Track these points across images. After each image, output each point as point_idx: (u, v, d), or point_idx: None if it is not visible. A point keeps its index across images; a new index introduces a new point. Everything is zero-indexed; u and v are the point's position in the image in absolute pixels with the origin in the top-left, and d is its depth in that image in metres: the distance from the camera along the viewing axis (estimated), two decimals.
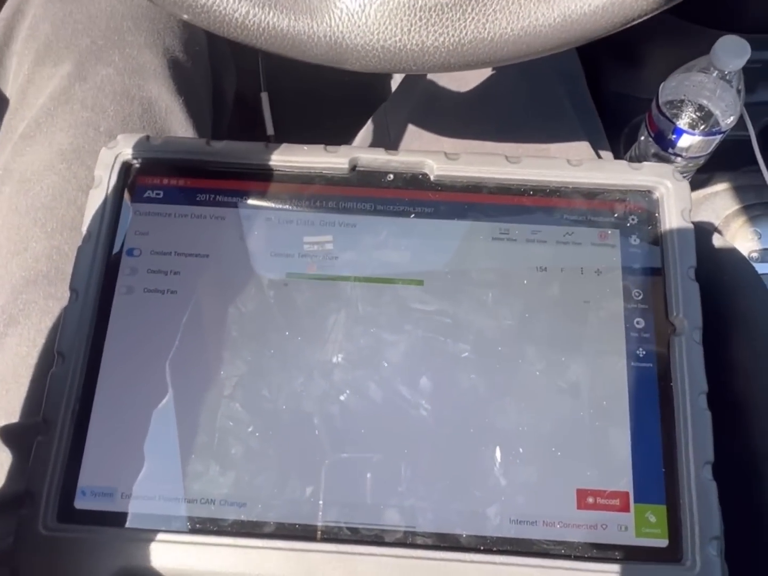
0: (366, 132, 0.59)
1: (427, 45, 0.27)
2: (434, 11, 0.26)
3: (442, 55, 0.27)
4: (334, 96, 0.78)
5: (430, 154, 0.36)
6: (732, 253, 0.43)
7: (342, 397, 0.32)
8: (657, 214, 0.35)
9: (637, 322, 0.33)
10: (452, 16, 0.26)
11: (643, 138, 0.67)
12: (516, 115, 0.48)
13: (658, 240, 0.35)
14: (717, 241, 0.44)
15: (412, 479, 0.31)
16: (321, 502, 0.31)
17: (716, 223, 0.70)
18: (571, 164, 0.35)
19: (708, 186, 0.72)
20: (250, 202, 0.35)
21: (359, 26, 0.27)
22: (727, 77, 0.59)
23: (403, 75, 0.63)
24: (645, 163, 0.36)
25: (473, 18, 0.26)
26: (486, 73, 0.50)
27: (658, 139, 0.64)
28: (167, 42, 0.41)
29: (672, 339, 0.33)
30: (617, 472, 0.31)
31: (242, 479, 0.31)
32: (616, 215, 0.35)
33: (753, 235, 0.64)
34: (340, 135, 0.63)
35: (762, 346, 0.38)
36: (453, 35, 0.27)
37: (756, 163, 0.64)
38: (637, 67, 0.75)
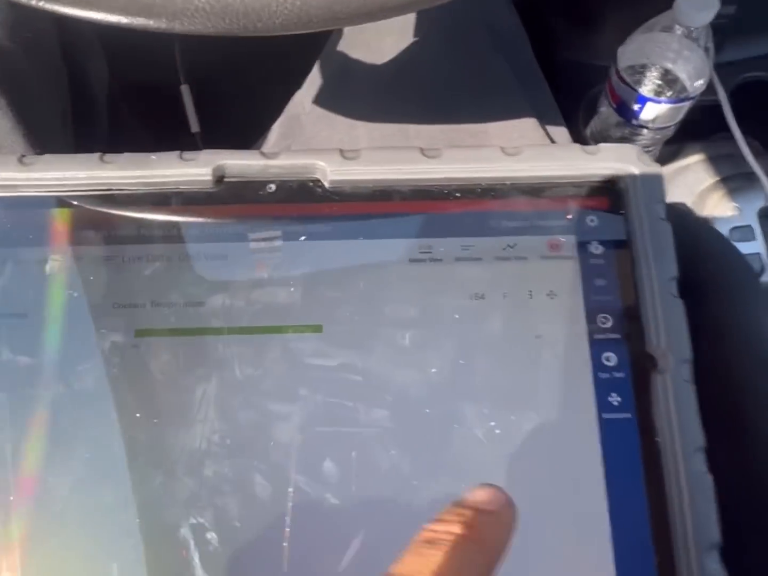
0: (280, 125, 0.50)
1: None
2: None
3: (295, 3, 0.18)
4: (260, 82, 0.69)
5: (321, 154, 0.27)
6: (717, 240, 0.36)
7: (217, 499, 0.23)
8: (623, 212, 0.27)
9: (608, 359, 0.25)
10: None
11: (603, 110, 0.59)
12: (445, 93, 0.39)
13: (626, 245, 0.26)
14: (697, 224, 0.37)
15: None
16: None
17: (690, 200, 0.63)
18: (507, 153, 0.27)
19: (678, 159, 0.64)
20: (82, 236, 0.26)
21: None
22: (693, 35, 0.51)
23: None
24: (602, 144, 0.27)
25: None
26: (406, 43, 0.41)
27: (621, 109, 0.56)
28: None
29: (654, 378, 0.25)
30: (595, 566, 0.23)
31: None
32: (569, 216, 0.27)
33: (732, 210, 0.57)
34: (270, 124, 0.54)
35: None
36: None
37: (729, 129, 0.56)
38: (592, 30, 0.66)
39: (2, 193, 0.26)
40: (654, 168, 0.27)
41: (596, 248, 0.26)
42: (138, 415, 0.24)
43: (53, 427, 0.24)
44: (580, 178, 0.27)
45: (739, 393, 0.31)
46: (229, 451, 0.24)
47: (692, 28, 0.49)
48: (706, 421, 0.24)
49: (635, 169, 0.27)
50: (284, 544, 0.23)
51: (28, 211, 0.26)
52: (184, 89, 0.73)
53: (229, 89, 0.73)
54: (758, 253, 0.59)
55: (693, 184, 0.57)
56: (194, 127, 0.73)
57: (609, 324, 0.25)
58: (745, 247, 0.56)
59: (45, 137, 0.34)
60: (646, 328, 0.25)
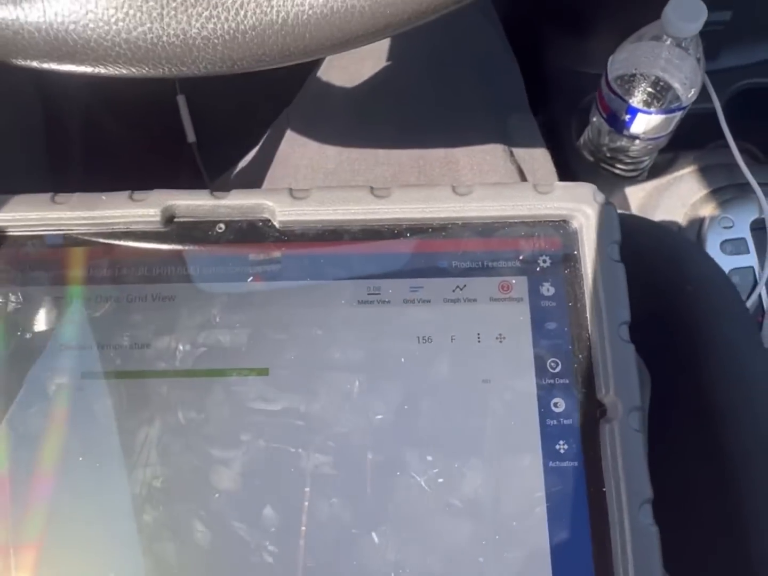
0: (264, 145, 0.50)
1: (191, 35, 0.18)
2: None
3: (216, 48, 0.18)
4: (256, 95, 0.69)
5: (269, 194, 0.27)
6: (702, 262, 0.35)
7: (156, 545, 0.23)
8: (576, 252, 0.26)
9: (556, 404, 0.25)
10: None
11: (595, 120, 0.58)
12: (420, 119, 0.38)
13: (579, 287, 0.26)
14: (679, 243, 0.36)
15: None
16: None
17: (683, 211, 0.62)
18: (458, 193, 0.26)
19: (671, 169, 0.63)
20: (31, 276, 0.26)
21: (86, 12, 0.18)
22: (684, 44, 0.50)
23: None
24: (557, 183, 0.27)
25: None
26: (384, 68, 0.40)
27: (611, 120, 0.55)
28: None
29: (602, 426, 0.24)
30: None
31: None
32: (521, 257, 0.26)
33: (724, 222, 0.55)
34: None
35: (754, 389, 0.30)
36: (227, 20, 0.18)
37: (724, 138, 0.55)
38: (584, 37, 0.66)
39: None
40: (609, 209, 0.26)
41: (548, 290, 0.26)
42: (81, 459, 0.24)
43: (9, 472, 0.24)
44: (533, 218, 0.26)
45: (718, 414, 0.30)
46: (169, 497, 0.24)
47: (682, 38, 0.48)
48: (683, 442, 0.24)
49: (589, 209, 0.26)
50: None
51: None
52: (180, 99, 0.73)
53: (225, 99, 0.73)
54: (751, 267, 0.57)
55: (686, 195, 0.56)
56: (190, 137, 0.74)
57: (558, 369, 0.25)
58: (737, 261, 0.55)
59: (12, 177, 0.34)
60: (596, 374, 0.25)
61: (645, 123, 0.53)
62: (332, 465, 0.24)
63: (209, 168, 0.71)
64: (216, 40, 0.18)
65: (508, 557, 0.23)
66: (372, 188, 0.27)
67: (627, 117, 0.54)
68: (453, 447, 0.24)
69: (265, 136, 0.48)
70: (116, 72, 0.20)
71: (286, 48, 0.19)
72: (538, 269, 0.26)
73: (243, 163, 0.46)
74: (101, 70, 0.19)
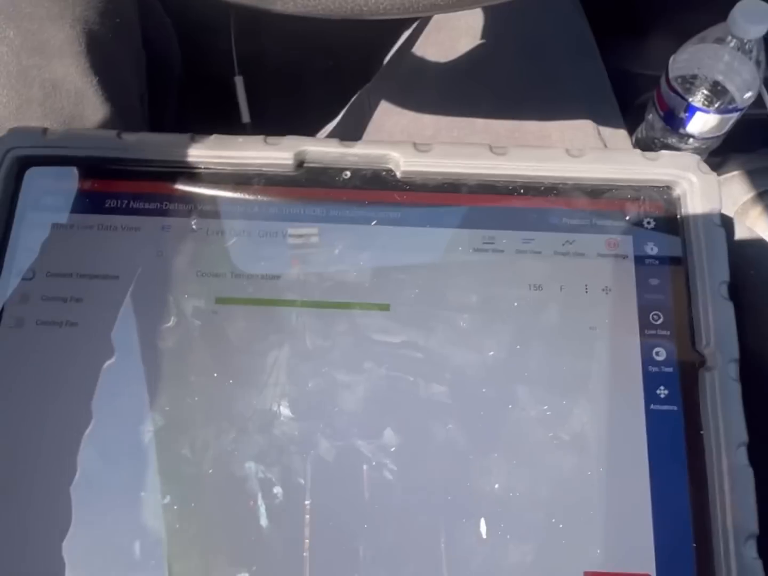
0: (345, 117, 0.52)
1: None
2: None
3: None
4: (316, 79, 0.71)
5: (395, 146, 0.29)
6: (762, 246, 0.37)
7: (285, 458, 0.25)
8: (679, 216, 0.28)
9: (657, 353, 0.26)
10: None
11: (650, 117, 0.60)
12: (513, 94, 0.40)
13: (680, 248, 0.28)
14: (740, 232, 0.38)
15: (373, 563, 0.24)
16: None
17: (733, 210, 0.63)
18: (571, 155, 0.28)
19: (721, 170, 0.65)
20: (172, 208, 0.28)
21: None
22: (747, 47, 0.52)
23: (389, 55, 0.56)
24: (663, 152, 0.29)
25: None
26: (480, 47, 0.42)
27: (668, 118, 0.57)
28: (77, 12, 0.34)
29: (702, 375, 0.26)
30: (636, 549, 0.24)
31: (157, 567, 0.24)
32: (627, 218, 0.28)
33: None
34: (324, 120, 0.56)
35: None
36: None
37: None
38: (643, 40, 0.67)
39: (99, 163, 0.29)
40: (711, 177, 0.28)
41: (651, 249, 0.28)
42: (215, 374, 0.26)
43: (137, 380, 0.26)
44: (639, 182, 0.28)
45: None
46: (297, 415, 0.26)
47: (745, 41, 0.50)
48: (748, 417, 0.25)
49: (693, 177, 0.28)
50: (348, 503, 0.25)
51: (121, 182, 0.29)
52: (238, 80, 0.75)
53: (281, 82, 0.75)
54: None
55: (736, 195, 0.58)
56: (245, 117, 0.76)
57: (660, 321, 0.27)
58: None
59: (126, 116, 0.36)
60: (696, 327, 0.26)
61: (702, 122, 0.55)
62: (448, 395, 0.26)
63: None
64: None
65: (610, 489, 0.25)
66: (491, 146, 0.28)
67: (685, 115, 0.55)
68: (561, 386, 0.26)
69: (342, 113, 0.50)
70: (299, 10, 0.21)
71: None
72: (642, 230, 0.28)
73: (322, 135, 0.48)
74: (288, 8, 0.21)
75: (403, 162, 0.28)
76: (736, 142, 0.60)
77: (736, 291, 0.35)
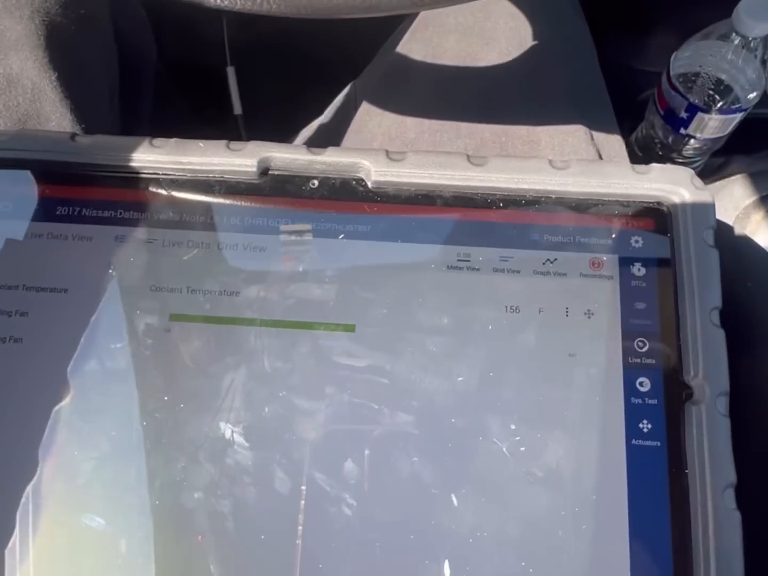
0: (333, 112, 0.50)
1: None
2: None
3: None
4: (308, 70, 0.69)
5: (366, 153, 0.27)
6: (760, 257, 0.35)
7: (236, 489, 0.24)
8: (669, 235, 0.26)
9: (641, 384, 0.25)
10: None
11: (650, 117, 0.57)
12: (502, 97, 0.38)
13: (670, 270, 0.26)
14: (739, 239, 0.36)
15: None
16: None
17: (734, 214, 0.61)
18: (555, 166, 0.26)
19: (724, 172, 0.63)
20: (127, 217, 0.27)
21: None
22: (751, 45, 0.50)
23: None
24: (654, 165, 0.26)
25: None
26: (469, 46, 0.40)
27: (669, 117, 0.55)
28: (37, 3, 0.32)
29: (688, 408, 0.24)
30: None
31: None
32: (614, 236, 0.26)
33: None
34: (317, 112, 0.54)
35: None
36: None
37: None
38: (645, 35, 0.65)
39: (51, 168, 0.27)
40: (705, 193, 0.26)
41: (639, 270, 0.26)
42: (166, 398, 0.25)
43: (82, 402, 0.25)
44: (627, 197, 0.26)
45: None
46: (252, 443, 0.24)
47: (750, 38, 0.48)
48: (737, 448, 0.23)
49: (686, 193, 0.26)
50: (297, 541, 0.23)
51: (74, 188, 0.27)
52: (230, 71, 0.73)
53: (274, 74, 0.73)
54: None
55: (738, 198, 0.55)
56: (237, 109, 0.74)
57: (645, 348, 0.25)
58: None
59: (92, 113, 0.35)
60: (684, 357, 0.25)
61: (703, 122, 0.53)
62: (415, 424, 0.24)
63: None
64: None
65: (585, 530, 0.23)
66: (468, 156, 0.27)
67: (685, 115, 0.53)
68: (536, 417, 0.24)
69: (329, 108, 0.48)
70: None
71: None
72: (630, 248, 0.26)
73: (308, 131, 0.46)
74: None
75: (374, 171, 0.26)
76: (740, 142, 0.58)
77: (732, 303, 0.33)
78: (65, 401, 0.25)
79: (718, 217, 0.64)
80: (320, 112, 0.54)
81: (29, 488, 0.24)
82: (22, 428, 0.24)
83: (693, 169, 0.62)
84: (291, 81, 0.72)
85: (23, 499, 0.24)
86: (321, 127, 0.45)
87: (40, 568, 0.23)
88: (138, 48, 0.42)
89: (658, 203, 0.26)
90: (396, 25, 0.54)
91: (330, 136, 0.41)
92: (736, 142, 0.57)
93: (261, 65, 0.68)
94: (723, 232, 0.37)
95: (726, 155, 0.61)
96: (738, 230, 0.58)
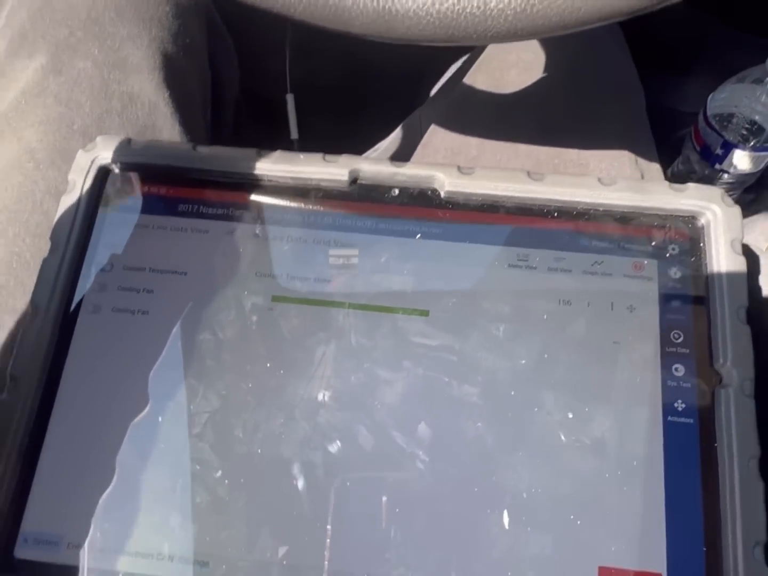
0: (397, 135, 0.55)
1: (490, 7, 0.23)
2: None
3: (507, 20, 0.23)
4: (363, 101, 0.75)
5: (440, 168, 0.31)
6: None
7: (327, 443, 0.28)
8: (702, 244, 0.30)
9: (676, 369, 0.28)
10: None
11: (687, 152, 0.62)
12: (556, 125, 0.43)
13: (702, 274, 0.30)
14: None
15: (402, 545, 0.26)
16: (295, 566, 0.26)
17: (763, 248, 0.65)
18: (603, 183, 0.31)
19: (755, 206, 0.66)
20: (237, 214, 0.32)
21: None
22: None
23: (441, 81, 0.60)
24: (690, 184, 0.31)
25: None
26: (528, 79, 0.45)
27: (704, 153, 0.59)
28: (154, 33, 0.38)
29: (717, 391, 0.28)
30: (648, 548, 0.26)
31: (206, 534, 0.27)
32: (653, 243, 0.30)
33: None
34: (371, 141, 0.59)
35: None
36: None
37: None
38: (682, 78, 0.70)
39: (175, 172, 0.32)
40: (735, 209, 0.30)
41: (675, 273, 0.30)
42: (268, 365, 0.29)
43: (198, 365, 0.29)
44: (666, 211, 0.31)
45: None
46: (340, 405, 0.28)
47: None
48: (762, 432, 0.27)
49: (717, 208, 0.30)
50: (380, 490, 0.27)
51: (194, 189, 0.32)
52: (289, 98, 0.79)
53: (331, 103, 0.79)
54: None
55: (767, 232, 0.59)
56: (294, 134, 0.80)
57: (680, 339, 0.29)
58: None
59: (192, 127, 0.40)
60: (714, 347, 0.28)
61: (737, 159, 0.57)
62: (479, 396, 0.28)
63: None
64: (509, 12, 0.23)
65: (626, 491, 0.27)
66: (529, 172, 0.31)
67: (720, 151, 0.58)
68: (584, 394, 0.28)
69: (394, 132, 0.54)
70: (418, 38, 0.24)
71: (561, 21, 0.23)
72: (667, 255, 0.30)
73: (373, 153, 0.51)
74: (407, 36, 0.24)
75: (447, 183, 0.31)
76: None
77: (757, 319, 0.36)
78: (183, 364, 0.29)
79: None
80: (370, 142, 0.59)
81: (152, 435, 0.28)
82: (146, 384, 0.29)
83: None
84: (345, 110, 0.77)
85: (144, 445, 0.28)
86: (387, 149, 0.51)
87: (152, 505, 0.27)
88: (225, 75, 0.47)
89: (693, 217, 0.31)
90: (450, 61, 0.60)
91: (397, 157, 0.46)
92: (766, 179, 0.61)
93: (318, 94, 0.73)
94: (749, 257, 0.40)
95: (757, 191, 0.65)
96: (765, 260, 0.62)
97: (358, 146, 0.59)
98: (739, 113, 0.55)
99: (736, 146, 0.57)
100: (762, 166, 0.58)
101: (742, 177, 0.59)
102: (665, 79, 0.66)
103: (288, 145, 0.78)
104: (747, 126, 0.57)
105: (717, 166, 0.59)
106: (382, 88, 0.71)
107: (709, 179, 0.61)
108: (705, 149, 0.59)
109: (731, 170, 0.59)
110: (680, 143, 0.63)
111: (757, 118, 0.56)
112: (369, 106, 0.73)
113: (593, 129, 0.41)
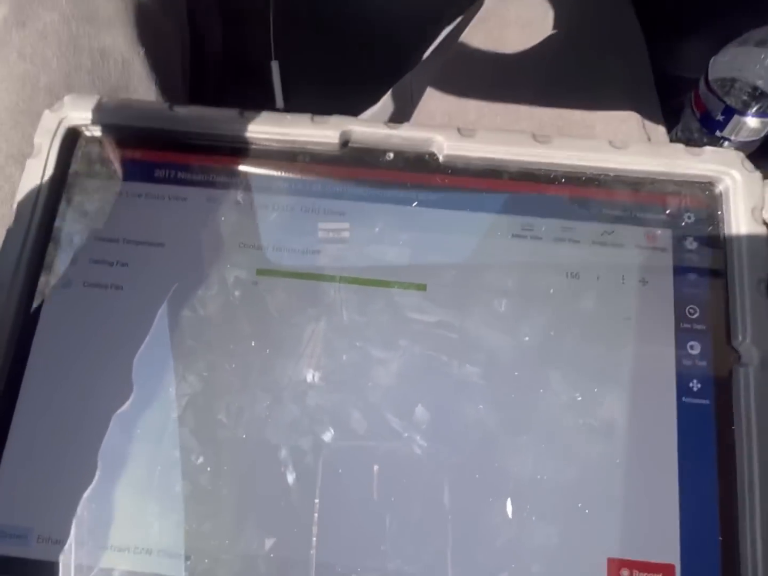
0: (388, 101, 0.52)
1: None
2: None
3: None
4: (353, 66, 0.72)
5: (439, 129, 0.29)
6: None
7: (316, 427, 0.26)
8: (720, 212, 0.28)
9: (692, 347, 0.26)
10: None
11: (686, 119, 0.59)
12: (559, 85, 0.41)
13: (720, 244, 0.28)
14: None
15: (398, 536, 0.25)
16: (283, 559, 0.24)
17: (766, 218, 0.63)
18: (614, 146, 0.28)
19: None
20: (218, 181, 0.29)
21: None
22: None
23: (435, 43, 0.57)
24: (707, 147, 0.29)
25: None
26: (528, 37, 0.43)
27: (705, 120, 0.57)
28: None
29: (736, 370, 0.26)
30: (661, 538, 0.25)
31: (187, 526, 0.25)
32: (668, 212, 0.28)
33: None
34: (356, 109, 0.57)
35: None
36: None
37: None
38: (681, 41, 0.67)
39: (151, 134, 0.29)
40: (756, 175, 0.28)
41: (691, 244, 0.28)
42: (253, 343, 0.27)
43: (177, 344, 0.27)
44: (681, 177, 0.28)
45: None
46: (331, 386, 0.26)
47: None
48: None
49: (737, 174, 0.28)
50: (372, 476, 0.25)
51: (171, 153, 0.29)
52: (274, 65, 0.76)
53: (317, 70, 0.75)
54: None
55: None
56: (279, 102, 0.77)
57: (696, 315, 0.27)
58: None
59: (169, 88, 0.37)
60: (733, 323, 0.26)
61: (738, 125, 0.55)
62: (481, 376, 0.26)
63: None
64: None
65: (638, 478, 0.25)
66: (534, 134, 0.29)
67: (722, 117, 0.55)
68: (593, 373, 0.26)
69: (384, 97, 0.51)
70: None
71: None
72: (683, 224, 0.28)
73: (369, 115, 0.48)
74: None
75: (446, 146, 0.29)
76: None
77: None
78: (161, 343, 0.27)
79: None
80: (359, 108, 0.56)
81: (128, 419, 0.26)
82: (121, 366, 0.27)
83: None
84: (332, 77, 0.74)
85: (120, 431, 0.26)
86: (376, 114, 0.48)
87: (128, 495, 0.25)
88: (206, 35, 0.44)
89: (710, 183, 0.28)
90: (439, 25, 0.56)
91: (388, 121, 0.44)
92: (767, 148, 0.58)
93: (303, 61, 0.70)
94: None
95: (760, 158, 0.62)
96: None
97: (348, 114, 0.56)
98: (742, 78, 0.53)
99: (738, 112, 0.54)
100: (764, 132, 0.56)
101: (744, 145, 0.57)
102: (664, 43, 0.63)
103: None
104: (749, 91, 0.55)
105: (718, 133, 0.57)
106: (373, 53, 0.68)
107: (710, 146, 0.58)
108: (705, 116, 0.57)
109: (732, 137, 0.56)
110: (679, 110, 0.61)
111: (759, 83, 0.54)
112: (360, 73, 0.70)
113: (598, 88, 0.38)
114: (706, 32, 0.63)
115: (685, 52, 0.66)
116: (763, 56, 0.53)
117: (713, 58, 0.56)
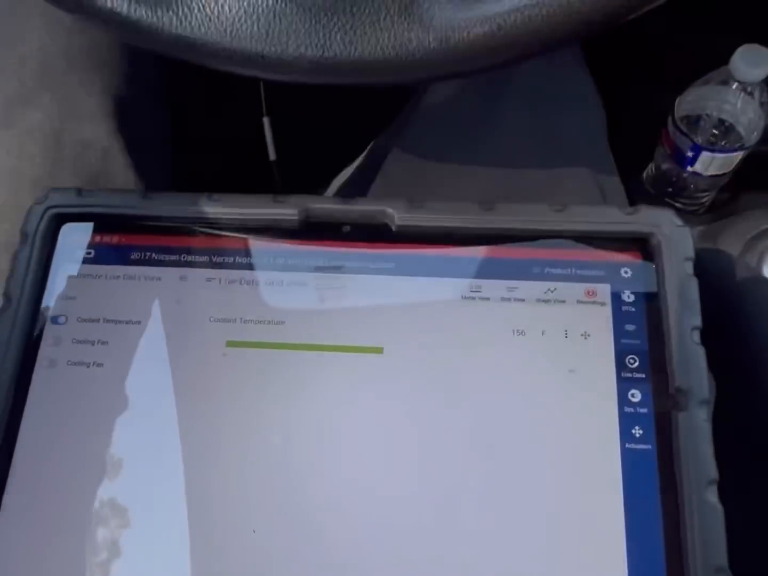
0: (362, 162, 0.55)
1: (288, 53, 0.24)
2: (299, 15, 0.23)
3: (302, 67, 0.24)
4: (341, 121, 0.75)
5: (391, 202, 0.31)
6: (756, 280, 0.38)
7: (283, 494, 0.28)
8: (654, 266, 0.30)
9: (633, 395, 0.28)
10: (318, 26, 0.23)
11: (659, 157, 0.62)
12: (515, 146, 0.43)
13: (656, 296, 0.30)
14: (740, 268, 0.39)
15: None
16: None
17: (739, 246, 0.65)
18: (554, 209, 0.31)
19: (731, 206, 0.66)
20: (189, 260, 0.31)
21: (211, 20, 0.24)
22: (749, 90, 0.55)
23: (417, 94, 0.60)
24: (641, 206, 0.31)
25: (338, 32, 0.23)
26: (484, 100, 0.45)
27: (676, 156, 0.59)
28: (106, 79, 0.38)
29: (674, 415, 0.28)
30: None
31: None
32: (606, 268, 0.30)
33: None
34: (350, 158, 0.59)
35: None
36: (316, 47, 0.24)
37: None
38: (650, 82, 0.70)
39: (126, 221, 0.32)
40: (685, 230, 0.30)
41: (628, 297, 0.30)
42: (224, 412, 0.29)
43: (151, 417, 0.29)
44: (617, 235, 0.31)
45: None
46: (297, 452, 0.28)
47: (748, 83, 0.52)
48: (734, 452, 0.27)
49: (667, 230, 0.30)
50: (338, 543, 0.27)
51: (145, 236, 0.32)
52: (266, 121, 0.79)
53: (308, 124, 0.78)
54: None
55: (743, 231, 0.59)
56: (272, 155, 0.80)
57: (636, 365, 0.29)
58: None
59: (149, 171, 0.40)
60: (670, 371, 0.28)
61: (708, 161, 0.57)
62: (435, 435, 0.28)
63: (286, 187, 0.77)
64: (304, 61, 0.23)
65: (585, 520, 0.27)
66: (480, 202, 0.31)
67: (691, 154, 0.58)
68: (541, 423, 0.28)
69: (359, 159, 0.54)
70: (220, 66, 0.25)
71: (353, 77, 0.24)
72: (620, 278, 0.30)
73: (339, 180, 0.51)
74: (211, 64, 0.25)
75: (397, 218, 0.31)
76: (747, 178, 0.62)
77: (731, 330, 0.36)
78: (137, 417, 0.29)
79: (723, 247, 0.67)
80: (349, 160, 0.59)
81: (115, 494, 0.28)
82: (105, 439, 0.29)
83: (701, 204, 0.67)
84: (324, 130, 0.77)
85: (109, 506, 0.28)
86: (352, 176, 0.51)
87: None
88: (186, 110, 0.47)
89: (644, 239, 0.30)
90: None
91: (361, 183, 0.47)
92: (743, 177, 0.61)
93: (295, 115, 0.73)
94: (724, 260, 0.40)
95: (734, 190, 0.64)
96: (742, 260, 0.61)
97: (339, 165, 0.59)
98: (707, 115, 0.55)
99: (705, 148, 0.57)
100: (734, 165, 0.58)
101: (716, 178, 0.59)
102: (633, 86, 0.66)
103: (268, 166, 0.77)
104: (716, 127, 0.57)
105: (689, 168, 0.59)
106: (360, 108, 0.71)
107: (683, 182, 0.61)
108: (676, 152, 0.59)
109: (703, 172, 0.59)
110: (653, 147, 0.63)
111: (725, 116, 0.56)
112: (347, 126, 0.73)
113: (552, 149, 0.41)
114: (673, 73, 0.65)
115: (654, 92, 0.69)
116: (725, 94, 0.55)
117: (678, 98, 0.58)
